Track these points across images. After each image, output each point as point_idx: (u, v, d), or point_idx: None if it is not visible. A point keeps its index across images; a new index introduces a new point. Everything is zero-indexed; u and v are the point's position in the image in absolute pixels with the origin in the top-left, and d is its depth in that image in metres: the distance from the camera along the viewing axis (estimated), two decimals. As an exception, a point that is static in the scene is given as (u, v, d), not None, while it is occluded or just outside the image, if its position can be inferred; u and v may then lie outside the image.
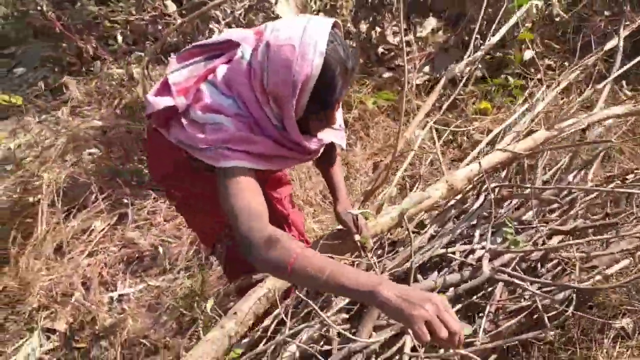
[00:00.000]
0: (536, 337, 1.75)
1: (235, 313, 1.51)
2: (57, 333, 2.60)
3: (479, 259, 1.75)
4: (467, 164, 2.05)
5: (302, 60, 1.29)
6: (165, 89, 1.47)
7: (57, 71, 4.77)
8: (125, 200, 2.97)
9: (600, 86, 2.38)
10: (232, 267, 1.88)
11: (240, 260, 1.73)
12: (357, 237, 1.73)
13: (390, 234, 2.03)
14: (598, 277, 1.76)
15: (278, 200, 1.90)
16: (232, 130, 1.37)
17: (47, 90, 4.40)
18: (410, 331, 1.08)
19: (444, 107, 2.54)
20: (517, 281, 1.67)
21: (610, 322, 1.77)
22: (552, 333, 1.73)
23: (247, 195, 1.32)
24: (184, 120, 1.43)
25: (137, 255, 2.91)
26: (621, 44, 2.46)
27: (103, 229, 2.98)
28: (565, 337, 1.81)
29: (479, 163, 1.94)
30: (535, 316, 1.70)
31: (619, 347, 1.68)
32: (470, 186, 2.04)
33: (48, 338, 2.59)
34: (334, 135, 1.62)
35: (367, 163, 3.01)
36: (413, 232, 1.92)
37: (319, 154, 1.60)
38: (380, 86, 3.58)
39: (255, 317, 1.53)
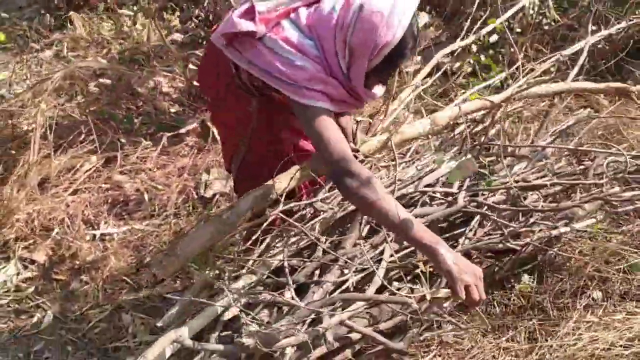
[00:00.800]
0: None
1: (233, 206, 1.69)
2: (36, 264, 2.59)
3: (456, 198, 1.96)
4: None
5: (387, 29, 1.50)
6: (248, 13, 1.59)
7: (43, 13, 4.67)
8: (122, 141, 2.96)
9: (566, 52, 2.67)
10: (241, 186, 2.02)
11: (248, 180, 1.91)
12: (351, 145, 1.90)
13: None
14: (564, 230, 1.97)
15: None
16: (312, 71, 1.56)
17: (32, 30, 4.30)
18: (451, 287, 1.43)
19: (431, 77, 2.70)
20: (488, 213, 1.90)
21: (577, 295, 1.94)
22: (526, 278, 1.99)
23: (336, 134, 1.53)
24: (260, 46, 1.59)
25: (122, 199, 2.91)
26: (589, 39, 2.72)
27: (89, 169, 2.97)
28: (539, 297, 1.97)
29: (459, 106, 2.16)
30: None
31: (590, 314, 1.84)
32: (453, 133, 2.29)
33: (26, 268, 2.58)
34: (381, 92, 1.82)
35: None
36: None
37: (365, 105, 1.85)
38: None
39: (252, 214, 1.71)
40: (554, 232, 1.94)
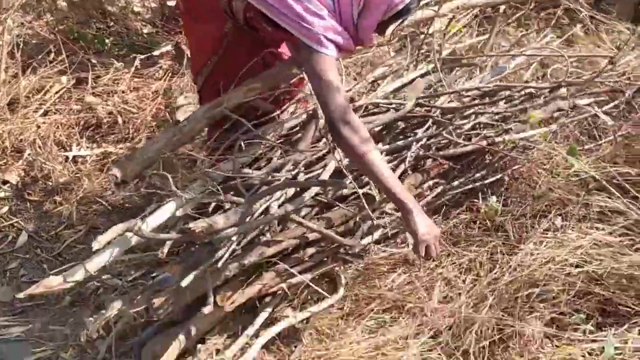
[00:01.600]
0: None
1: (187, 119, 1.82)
2: (9, 184, 2.58)
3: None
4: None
5: None
6: None
7: None
8: (92, 62, 2.89)
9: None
10: (204, 96, 2.10)
11: (211, 92, 1.98)
12: None
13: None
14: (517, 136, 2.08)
15: None
16: (329, 21, 1.61)
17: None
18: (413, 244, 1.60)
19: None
20: (437, 117, 2.04)
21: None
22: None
23: (337, 82, 1.60)
24: None
25: (95, 122, 2.87)
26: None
27: (60, 89, 2.91)
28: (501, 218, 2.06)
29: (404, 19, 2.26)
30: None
31: (548, 237, 1.93)
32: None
33: (-2, 189, 2.57)
34: (377, 39, 1.99)
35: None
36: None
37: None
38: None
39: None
40: (507, 137, 2.06)
